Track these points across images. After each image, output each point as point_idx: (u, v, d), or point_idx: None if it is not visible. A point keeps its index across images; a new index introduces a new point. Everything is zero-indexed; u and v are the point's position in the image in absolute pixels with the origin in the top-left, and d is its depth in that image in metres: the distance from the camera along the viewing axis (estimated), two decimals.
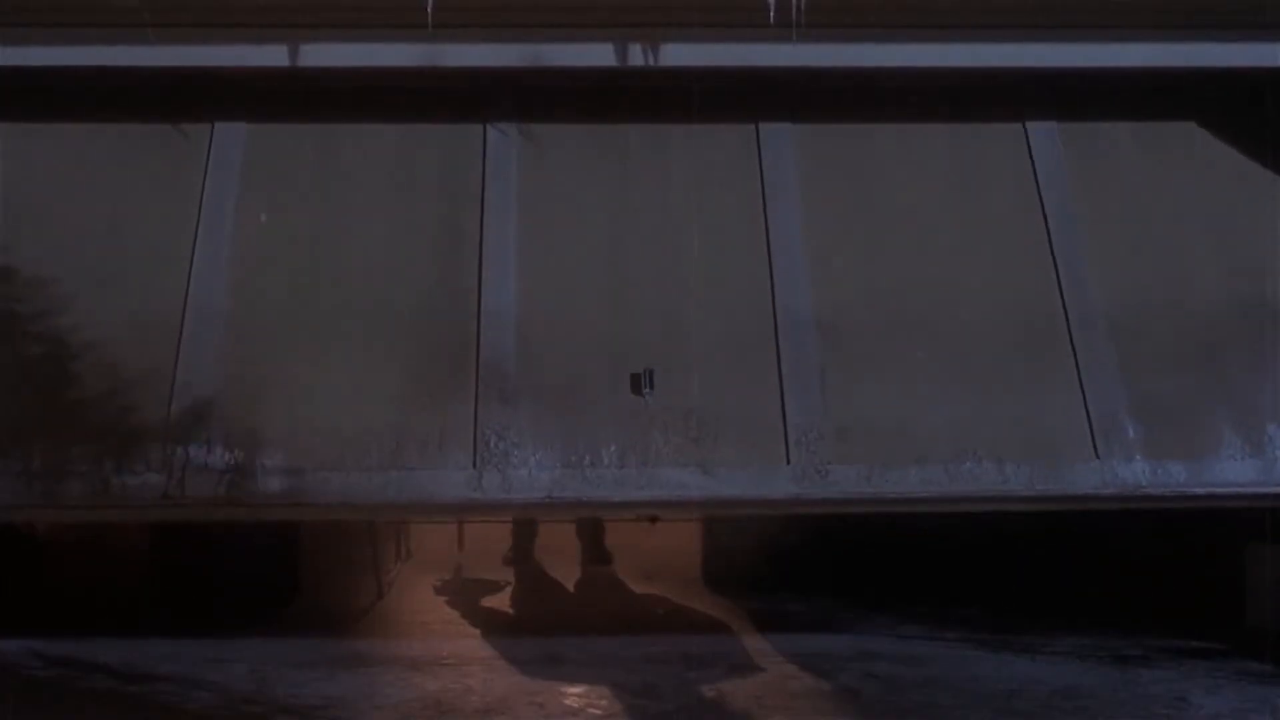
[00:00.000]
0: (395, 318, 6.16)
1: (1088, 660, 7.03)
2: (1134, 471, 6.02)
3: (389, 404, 5.96)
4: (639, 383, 6.01)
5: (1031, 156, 6.61)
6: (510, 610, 8.24)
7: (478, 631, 7.69)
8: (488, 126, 6.52)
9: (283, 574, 8.11)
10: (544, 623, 7.94)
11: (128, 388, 5.96)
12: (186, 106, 6.49)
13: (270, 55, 6.34)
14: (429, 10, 6.21)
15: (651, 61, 6.40)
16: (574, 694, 6.50)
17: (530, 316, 6.19)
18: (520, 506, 5.98)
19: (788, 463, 5.94)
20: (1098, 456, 6.01)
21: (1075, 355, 6.23)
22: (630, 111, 6.56)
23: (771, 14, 6.29)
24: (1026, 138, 6.63)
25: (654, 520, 10.31)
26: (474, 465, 5.83)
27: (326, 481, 5.81)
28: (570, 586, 8.61)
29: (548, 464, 5.88)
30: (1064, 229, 6.48)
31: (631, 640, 7.46)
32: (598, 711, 6.15)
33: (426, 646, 7.37)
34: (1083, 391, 6.16)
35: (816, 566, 8.55)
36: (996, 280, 6.42)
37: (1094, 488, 5.99)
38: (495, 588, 8.49)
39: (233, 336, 6.10)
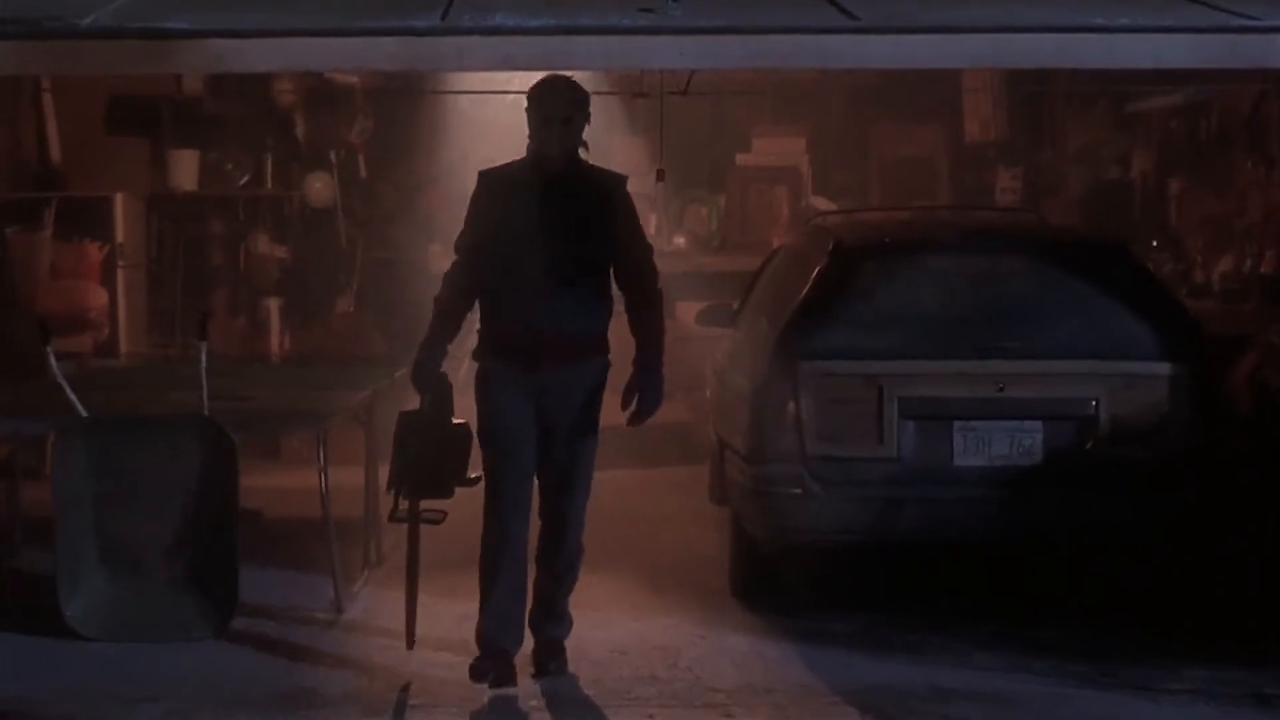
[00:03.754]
0: None
1: (1220, 700, 5.61)
2: None
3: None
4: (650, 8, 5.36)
5: None
6: None
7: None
8: None
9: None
10: None
11: None
12: None
13: None
14: None
15: None
16: None
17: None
18: (501, 39, 5.14)
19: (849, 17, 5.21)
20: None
21: None
22: None
23: None
24: None
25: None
26: (443, 18, 5.15)
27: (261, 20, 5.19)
28: None
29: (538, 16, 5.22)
30: None
31: (644, 674, 6.01)
32: None
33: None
34: None
35: (861, 575, 7.15)
36: None
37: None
38: None
39: None
